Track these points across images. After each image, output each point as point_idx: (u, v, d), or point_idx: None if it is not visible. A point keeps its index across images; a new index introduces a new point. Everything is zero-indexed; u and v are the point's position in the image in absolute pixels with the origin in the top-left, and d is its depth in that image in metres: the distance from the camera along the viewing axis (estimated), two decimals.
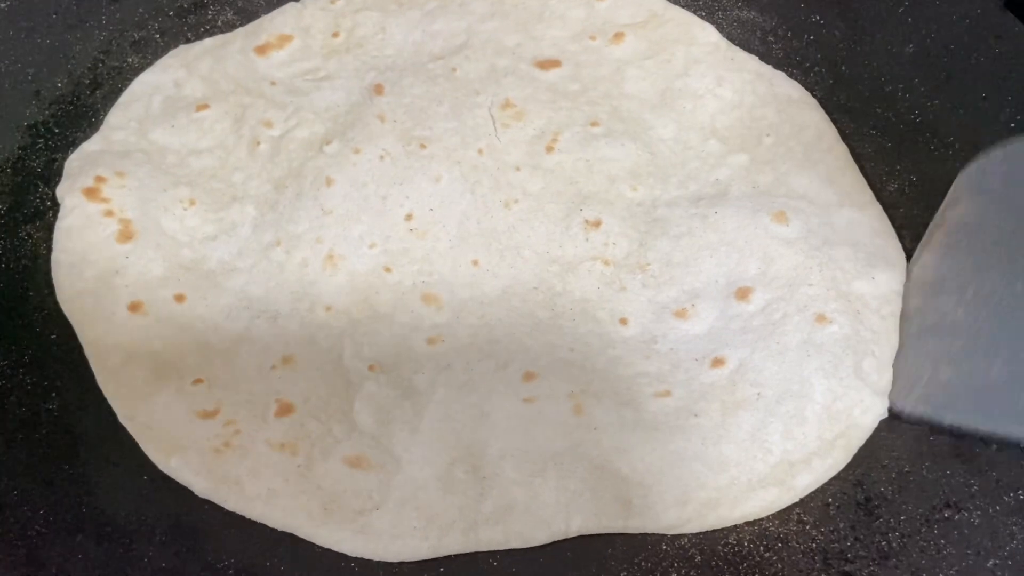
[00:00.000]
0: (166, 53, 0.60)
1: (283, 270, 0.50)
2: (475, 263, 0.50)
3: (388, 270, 0.50)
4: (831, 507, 0.43)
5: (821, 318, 0.47)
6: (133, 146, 0.54)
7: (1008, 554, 0.41)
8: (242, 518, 0.43)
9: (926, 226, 0.50)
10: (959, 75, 0.55)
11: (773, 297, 0.48)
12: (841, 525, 0.43)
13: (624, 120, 0.56)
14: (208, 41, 0.60)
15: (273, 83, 0.58)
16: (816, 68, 0.59)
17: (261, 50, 0.59)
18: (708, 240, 0.50)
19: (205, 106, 0.56)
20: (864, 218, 0.52)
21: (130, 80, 0.58)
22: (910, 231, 0.52)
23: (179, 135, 0.55)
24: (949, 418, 0.43)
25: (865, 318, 0.47)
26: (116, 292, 0.48)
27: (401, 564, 0.42)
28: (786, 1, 0.61)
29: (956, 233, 0.48)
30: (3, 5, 0.58)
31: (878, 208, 0.52)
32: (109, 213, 0.51)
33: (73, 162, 0.53)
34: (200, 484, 0.43)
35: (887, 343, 0.47)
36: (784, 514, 0.43)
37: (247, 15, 0.62)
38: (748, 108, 0.56)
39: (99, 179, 0.52)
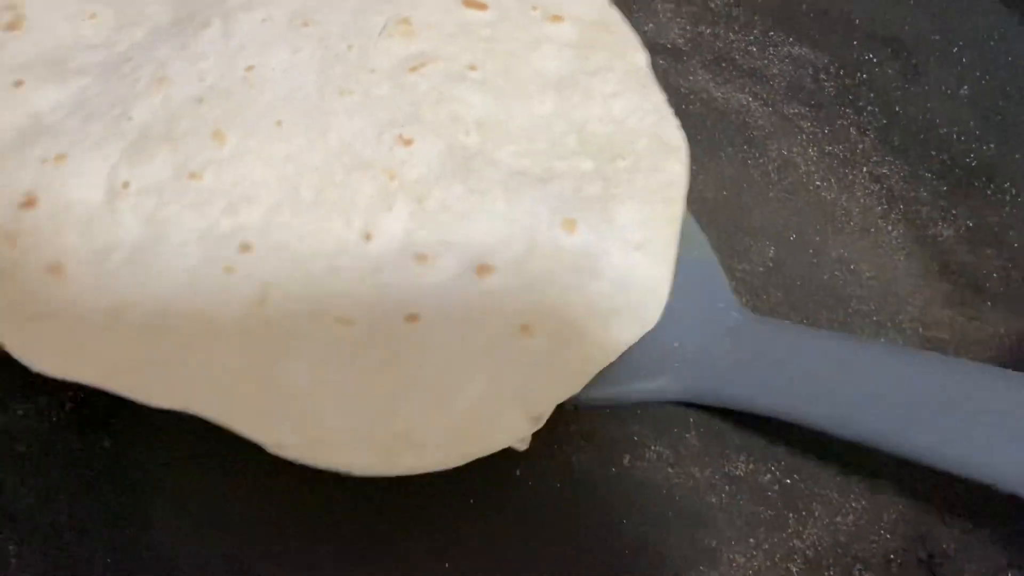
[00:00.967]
0: None
1: (123, 80, 0.51)
2: (279, 123, 0.51)
3: (201, 101, 0.51)
4: (893, 563, 0.43)
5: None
6: None
7: None
8: (299, 555, 0.43)
9: (979, 274, 0.49)
10: (1015, 118, 0.54)
11: (508, 285, 0.47)
12: None
13: (508, 79, 0.55)
14: None
15: None
16: (869, 108, 0.59)
17: None
18: (496, 209, 0.49)
19: None
20: (649, 270, 0.50)
21: None
22: (964, 277, 0.51)
23: None
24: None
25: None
26: None
27: None
28: (839, 38, 0.61)
29: None
30: None
31: (669, 269, 0.50)
32: None
33: None
34: None
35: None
36: (846, 569, 0.43)
37: None
38: (625, 130, 0.55)
39: None
